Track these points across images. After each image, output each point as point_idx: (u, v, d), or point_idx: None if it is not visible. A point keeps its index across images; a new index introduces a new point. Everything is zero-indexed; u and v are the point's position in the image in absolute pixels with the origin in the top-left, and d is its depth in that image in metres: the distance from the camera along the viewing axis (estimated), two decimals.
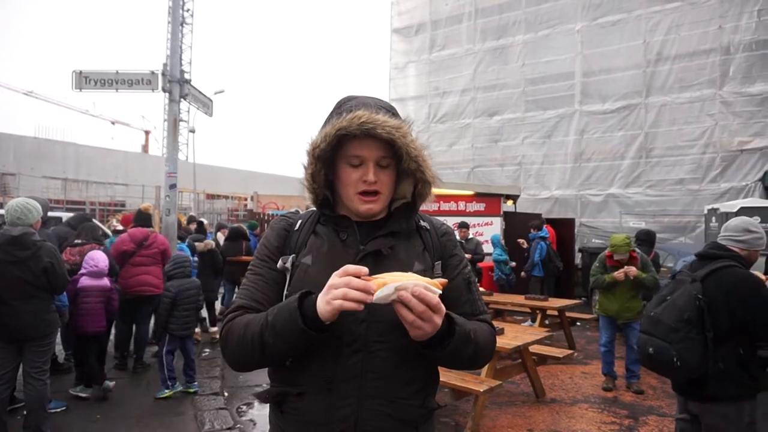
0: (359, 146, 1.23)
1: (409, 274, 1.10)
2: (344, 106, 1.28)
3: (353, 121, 1.18)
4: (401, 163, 1.28)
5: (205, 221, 8.56)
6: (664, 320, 2.56)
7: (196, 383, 5.21)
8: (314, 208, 1.37)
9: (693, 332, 2.45)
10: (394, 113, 1.30)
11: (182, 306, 5.01)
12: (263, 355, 1.17)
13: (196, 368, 5.30)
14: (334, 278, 1.07)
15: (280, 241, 1.34)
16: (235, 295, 1.36)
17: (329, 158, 1.27)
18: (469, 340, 1.20)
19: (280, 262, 1.29)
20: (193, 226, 7.92)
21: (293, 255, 1.29)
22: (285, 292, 1.26)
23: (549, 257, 9.06)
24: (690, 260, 7.52)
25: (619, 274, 5.22)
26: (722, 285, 2.51)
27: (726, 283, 2.50)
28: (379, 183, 1.26)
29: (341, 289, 1.04)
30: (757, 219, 6.19)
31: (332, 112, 1.30)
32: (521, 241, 9.88)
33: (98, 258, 4.88)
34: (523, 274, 9.16)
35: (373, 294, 1.03)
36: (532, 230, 9.51)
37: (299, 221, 1.37)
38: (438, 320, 1.09)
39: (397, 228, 1.30)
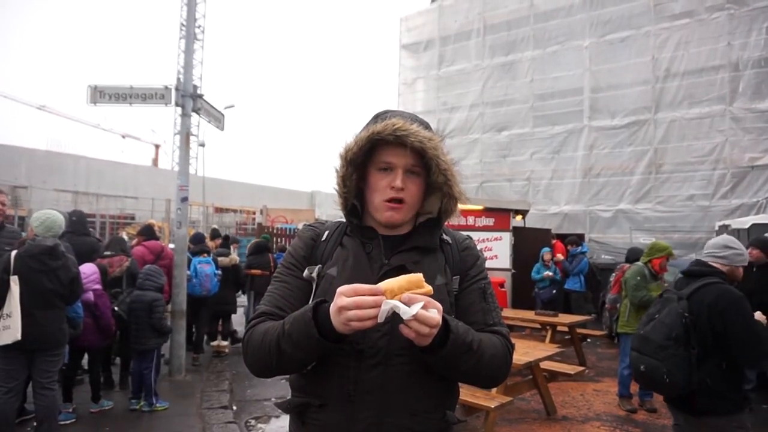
0: (390, 153, 1.26)
1: (401, 278, 1.09)
2: (381, 116, 1.32)
3: (387, 127, 1.22)
4: (430, 175, 1.30)
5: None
6: (653, 338, 2.66)
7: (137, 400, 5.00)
8: (342, 220, 1.39)
9: (680, 349, 2.54)
10: (427, 127, 1.33)
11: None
12: (280, 362, 1.19)
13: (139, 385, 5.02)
14: (343, 298, 1.04)
15: (307, 250, 1.36)
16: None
17: (362, 164, 1.29)
18: (471, 351, 1.16)
19: (306, 272, 1.31)
20: (213, 242, 8.10)
21: (320, 266, 1.31)
22: (310, 302, 1.26)
23: (591, 272, 9.09)
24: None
25: None
26: (705, 301, 2.61)
27: (708, 300, 2.60)
28: (405, 191, 1.27)
29: (354, 311, 1.02)
30: None
31: (369, 122, 1.34)
32: (560, 256, 9.90)
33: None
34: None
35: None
36: (570, 246, 9.56)
37: (327, 231, 1.39)
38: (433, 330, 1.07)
39: (422, 243, 1.32)
